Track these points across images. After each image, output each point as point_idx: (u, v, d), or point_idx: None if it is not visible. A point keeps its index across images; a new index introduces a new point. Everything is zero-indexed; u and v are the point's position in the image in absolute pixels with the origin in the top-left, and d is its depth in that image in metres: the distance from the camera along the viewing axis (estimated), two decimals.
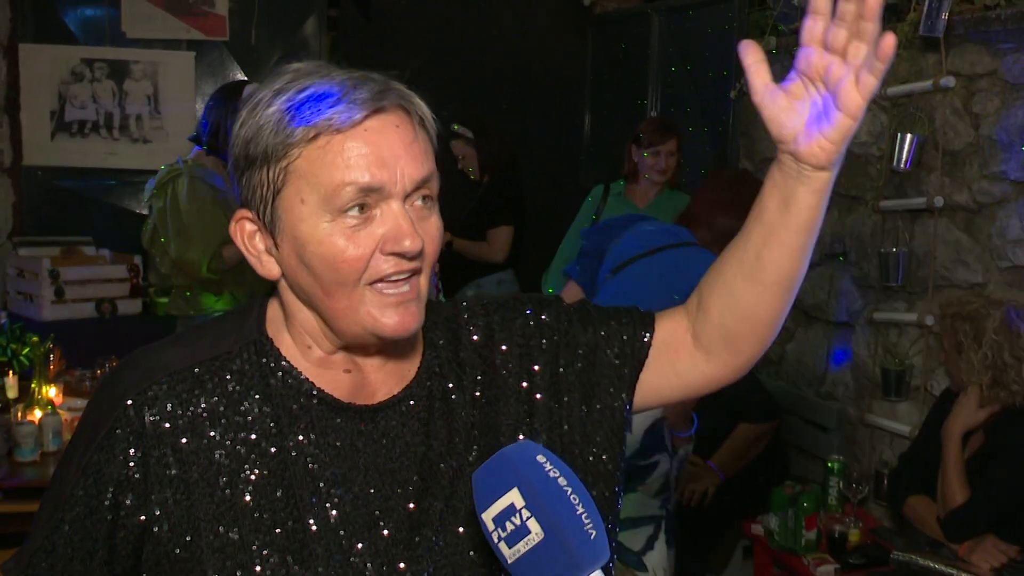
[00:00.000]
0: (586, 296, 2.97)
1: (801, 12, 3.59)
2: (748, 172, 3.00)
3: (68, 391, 3.43)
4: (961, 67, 3.23)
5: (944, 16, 3.17)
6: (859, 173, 3.64)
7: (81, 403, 3.32)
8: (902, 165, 3.31)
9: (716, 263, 1.18)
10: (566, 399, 1.17)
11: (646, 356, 1.20)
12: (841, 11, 0.93)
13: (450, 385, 1.15)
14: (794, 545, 2.95)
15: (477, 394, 1.15)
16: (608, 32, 5.18)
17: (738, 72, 4.13)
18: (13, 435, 2.93)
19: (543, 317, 1.21)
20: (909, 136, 3.29)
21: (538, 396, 1.16)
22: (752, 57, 1.00)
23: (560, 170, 5.22)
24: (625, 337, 1.20)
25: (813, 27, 0.96)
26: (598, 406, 1.18)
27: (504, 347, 1.18)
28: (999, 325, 2.65)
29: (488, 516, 0.92)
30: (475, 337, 1.19)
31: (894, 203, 3.42)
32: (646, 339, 1.20)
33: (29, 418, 3.00)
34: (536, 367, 1.17)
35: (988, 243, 3.15)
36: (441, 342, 1.17)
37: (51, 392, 3.23)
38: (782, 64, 4.06)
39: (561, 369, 1.18)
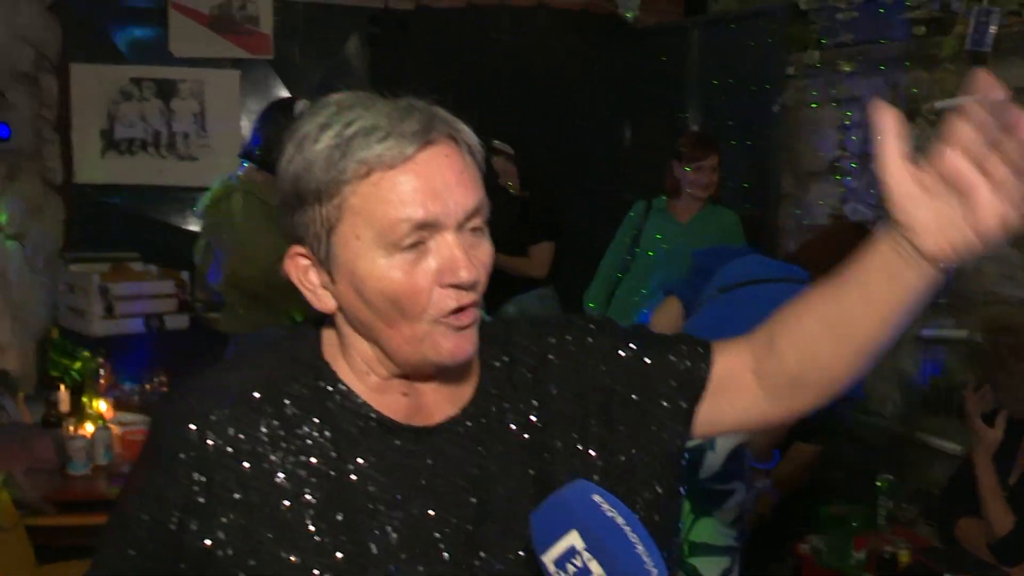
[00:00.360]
0: (687, 312, 3.00)
1: (844, 26, 3.56)
2: (860, 224, 3.04)
3: (118, 405, 3.49)
4: (1009, 80, 3.19)
5: (992, 30, 3.14)
6: None
7: (131, 417, 3.38)
8: None
9: (798, 309, 1.14)
10: (621, 428, 1.16)
11: (703, 389, 1.19)
12: (988, 124, 0.87)
13: (506, 407, 1.15)
14: (843, 565, 2.92)
15: (532, 418, 1.15)
16: (648, 45, 5.18)
17: (780, 85, 4.11)
18: (66, 449, 2.98)
19: (599, 343, 1.21)
20: None
21: (592, 423, 1.16)
22: (889, 124, 0.93)
23: (600, 185, 5.22)
24: (683, 369, 1.19)
25: (959, 130, 0.89)
26: (653, 438, 1.17)
27: (559, 372, 1.18)
28: None
29: (549, 559, 0.93)
30: (530, 360, 1.19)
31: None
32: (704, 372, 1.19)
33: (81, 432, 3.06)
34: (591, 393, 1.17)
35: None
36: (496, 364, 1.18)
37: (101, 406, 3.30)
38: (825, 79, 4.07)
39: (616, 397, 1.18)
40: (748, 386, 1.18)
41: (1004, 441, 2.78)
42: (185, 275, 4.33)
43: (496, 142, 4.37)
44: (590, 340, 1.21)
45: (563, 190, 4.68)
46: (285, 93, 4.79)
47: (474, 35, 5.04)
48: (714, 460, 2.68)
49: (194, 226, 4.66)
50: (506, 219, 4.40)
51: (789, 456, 3.42)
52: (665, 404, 1.18)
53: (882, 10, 3.68)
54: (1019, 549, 2.62)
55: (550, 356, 1.19)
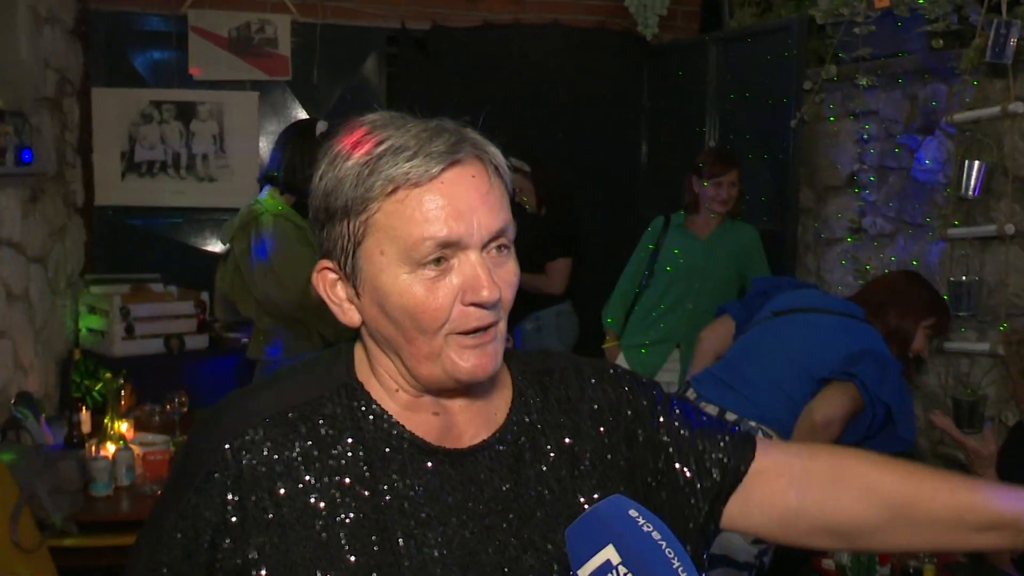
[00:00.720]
0: (738, 331, 3.05)
1: (861, 40, 3.54)
2: (918, 274, 3.11)
3: (138, 426, 3.50)
4: None
5: (1012, 42, 3.12)
6: (925, 201, 3.58)
7: (151, 438, 3.39)
8: (970, 192, 3.25)
9: (871, 483, 1.17)
10: (657, 498, 1.18)
11: (738, 480, 1.21)
12: None
13: (539, 434, 1.16)
14: None
15: (565, 448, 1.16)
16: (665, 62, 5.19)
17: (797, 100, 4.11)
18: (88, 470, 2.99)
19: (639, 399, 1.22)
20: (976, 163, 3.23)
21: (620, 470, 1.17)
22: None
23: (618, 200, 5.22)
24: (721, 450, 1.21)
25: None
26: (675, 504, 1.19)
27: (594, 416, 1.19)
28: None
29: (584, 572, 0.93)
30: (567, 393, 1.20)
31: (963, 231, 3.35)
32: (743, 465, 1.21)
33: (103, 453, 3.07)
34: (621, 445, 1.18)
35: None
36: (531, 392, 1.19)
37: (123, 427, 3.31)
38: (842, 92, 4.05)
39: (647, 458, 1.19)
40: (782, 499, 1.20)
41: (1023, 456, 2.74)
42: (205, 296, 4.36)
43: (512, 159, 4.38)
44: (633, 398, 1.22)
45: (581, 206, 4.67)
46: (303, 114, 4.83)
47: (490, 53, 5.06)
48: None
49: (213, 247, 4.70)
50: (522, 236, 4.39)
51: None
52: (695, 479, 1.20)
53: (900, 23, 3.66)
54: None
55: (587, 396, 1.20)
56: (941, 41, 3.52)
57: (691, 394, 2.91)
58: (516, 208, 4.79)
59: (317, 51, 4.87)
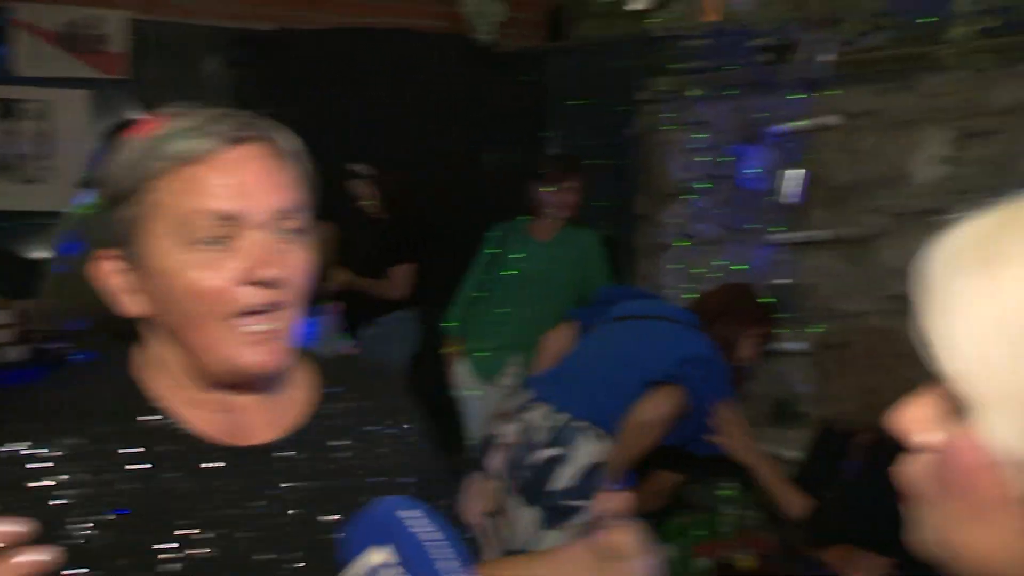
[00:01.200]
0: (580, 334, 3.12)
1: (696, 52, 3.66)
2: (748, 286, 3.25)
3: None
4: (844, 106, 3.36)
5: (827, 58, 3.30)
6: (751, 208, 3.73)
7: None
8: (789, 199, 3.41)
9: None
10: None
11: None
12: None
13: (333, 442, 1.14)
14: (687, 574, 2.97)
15: (359, 460, 1.15)
16: (510, 69, 5.24)
17: (634, 110, 4.22)
18: None
19: (417, 432, 1.24)
20: (795, 171, 3.40)
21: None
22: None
23: (463, 206, 5.23)
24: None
25: None
26: None
27: (397, 436, 1.19)
28: (863, 351, 2.72)
29: (357, 571, 0.91)
30: (375, 408, 1.19)
31: (782, 236, 3.52)
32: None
33: None
34: (415, 475, 1.18)
35: (870, 273, 3.25)
36: (335, 397, 1.17)
37: None
38: (677, 103, 4.18)
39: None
40: None
41: (830, 450, 2.88)
42: (26, 304, 4.12)
43: (353, 165, 4.33)
44: (427, 447, 1.23)
45: (426, 212, 4.66)
46: (141, 115, 4.65)
47: (336, 60, 5.00)
48: (567, 474, 2.71)
49: (37, 252, 4.47)
50: (363, 242, 4.35)
51: (648, 481, 3.46)
52: None
53: (730, 38, 3.82)
54: (827, 526, 2.69)
55: (397, 417, 1.21)
56: (766, 56, 3.68)
57: (528, 394, 2.95)
58: (357, 213, 4.71)
59: (155, 49, 4.71)
